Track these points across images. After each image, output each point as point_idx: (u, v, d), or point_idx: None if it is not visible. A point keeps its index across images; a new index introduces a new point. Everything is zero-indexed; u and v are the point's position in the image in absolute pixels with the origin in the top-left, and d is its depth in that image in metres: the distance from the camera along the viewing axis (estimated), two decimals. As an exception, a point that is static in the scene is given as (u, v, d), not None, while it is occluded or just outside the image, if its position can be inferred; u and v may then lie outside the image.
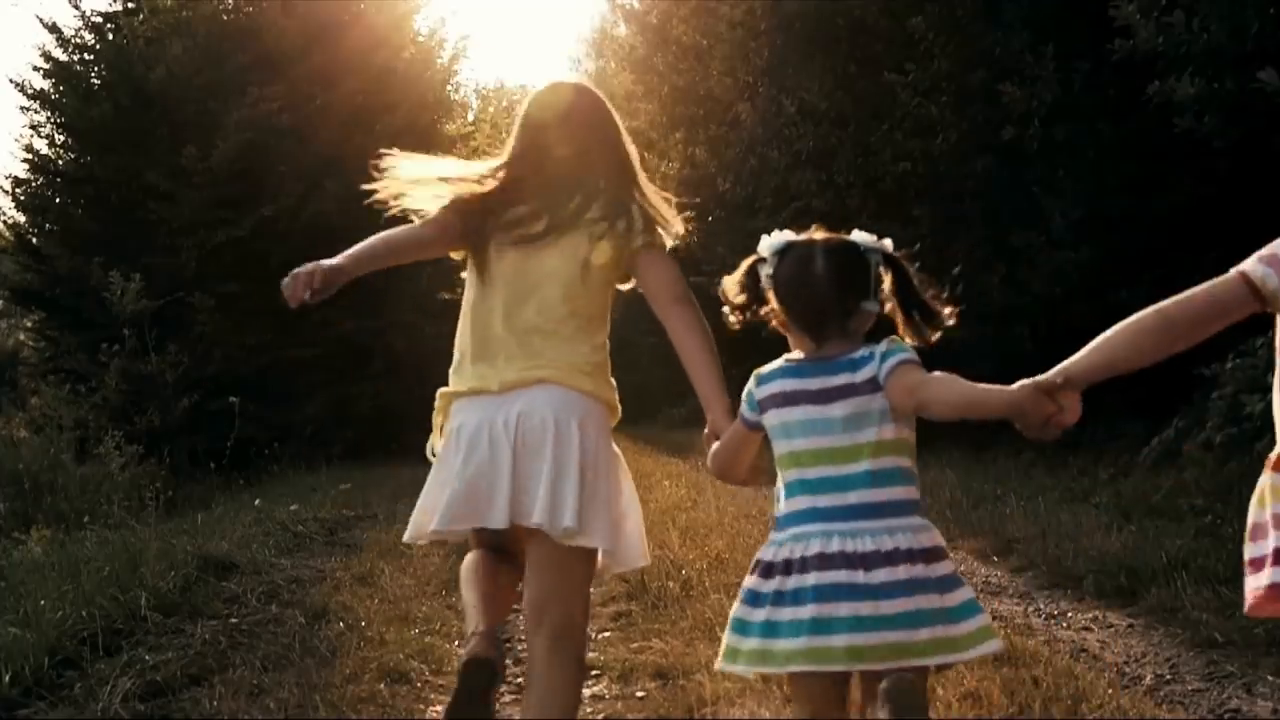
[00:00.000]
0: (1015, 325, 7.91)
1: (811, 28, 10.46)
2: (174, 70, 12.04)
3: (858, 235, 1.88)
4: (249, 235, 11.83)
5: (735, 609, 1.80)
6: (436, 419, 2.23)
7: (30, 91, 12.57)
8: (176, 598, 4.11)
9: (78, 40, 12.84)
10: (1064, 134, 7.30)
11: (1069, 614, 3.92)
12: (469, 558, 2.22)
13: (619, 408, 2.20)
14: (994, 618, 3.80)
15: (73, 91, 12.59)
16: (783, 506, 1.81)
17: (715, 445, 2.02)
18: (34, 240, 12.91)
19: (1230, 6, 5.08)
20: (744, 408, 1.91)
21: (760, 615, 1.73)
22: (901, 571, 1.67)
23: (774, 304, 1.89)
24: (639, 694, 2.97)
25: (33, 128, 12.79)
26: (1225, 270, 1.70)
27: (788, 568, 1.72)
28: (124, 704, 2.92)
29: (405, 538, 2.23)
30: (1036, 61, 7.18)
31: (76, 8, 12.81)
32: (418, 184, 2.25)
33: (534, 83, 2.51)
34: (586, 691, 3.05)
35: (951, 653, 1.70)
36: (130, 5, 13.16)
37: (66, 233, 12.61)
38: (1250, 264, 1.66)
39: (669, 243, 2.22)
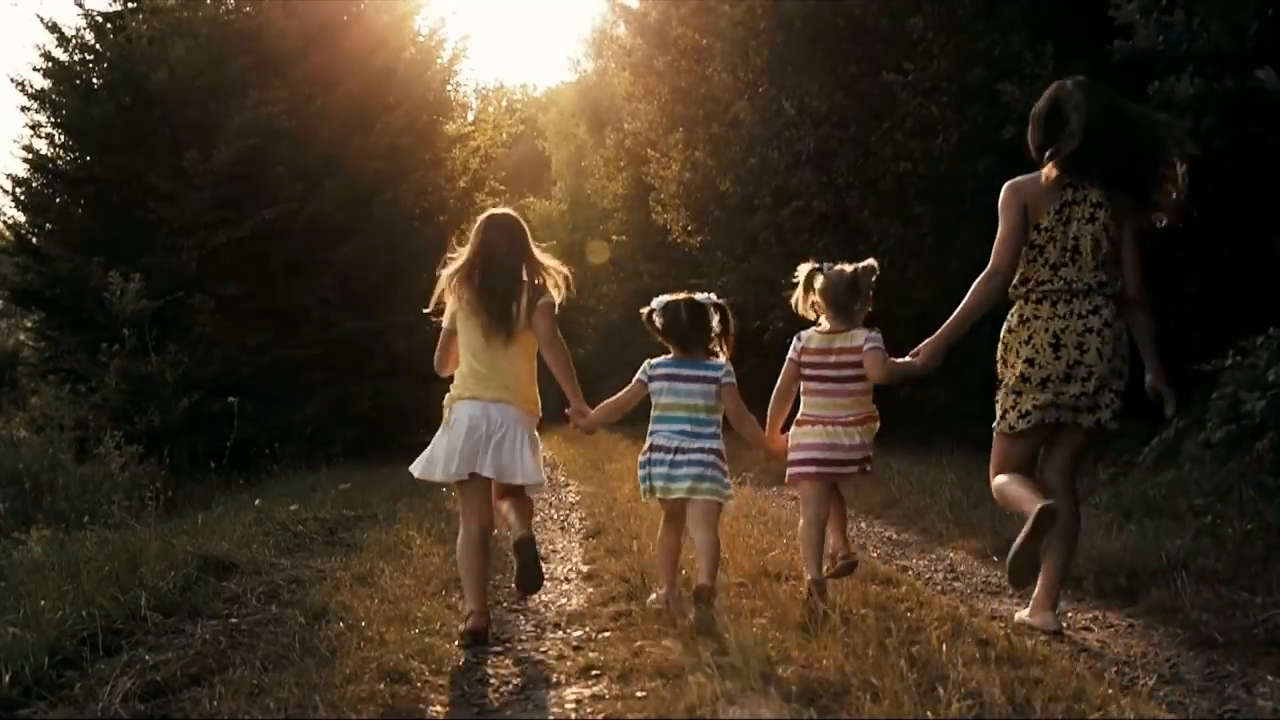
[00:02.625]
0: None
1: (812, 28, 10.46)
2: (176, 71, 12.02)
3: (699, 296, 3.81)
4: (249, 236, 11.83)
5: (639, 471, 3.79)
6: (446, 411, 3.76)
7: (31, 91, 12.54)
8: (176, 598, 4.10)
9: (79, 40, 12.81)
10: (1064, 134, 7.28)
11: (1069, 614, 3.92)
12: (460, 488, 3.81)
13: (539, 406, 3.83)
14: (993, 618, 3.80)
15: (74, 91, 12.55)
16: (658, 426, 3.76)
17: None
18: (34, 240, 12.86)
19: (1230, 6, 5.07)
20: (642, 375, 3.80)
21: (645, 472, 3.76)
22: (707, 458, 3.68)
23: (661, 331, 3.80)
24: (639, 694, 2.96)
25: (33, 127, 12.76)
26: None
27: (660, 449, 3.73)
28: (124, 704, 2.92)
29: (414, 470, 3.77)
30: (1036, 61, 7.18)
31: (80, 6, 12.81)
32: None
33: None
34: (586, 691, 3.05)
35: (713, 498, 3.69)
36: (131, 5, 13.14)
37: (66, 233, 12.57)
38: (791, 352, 3.91)
39: (557, 297, 3.76)
